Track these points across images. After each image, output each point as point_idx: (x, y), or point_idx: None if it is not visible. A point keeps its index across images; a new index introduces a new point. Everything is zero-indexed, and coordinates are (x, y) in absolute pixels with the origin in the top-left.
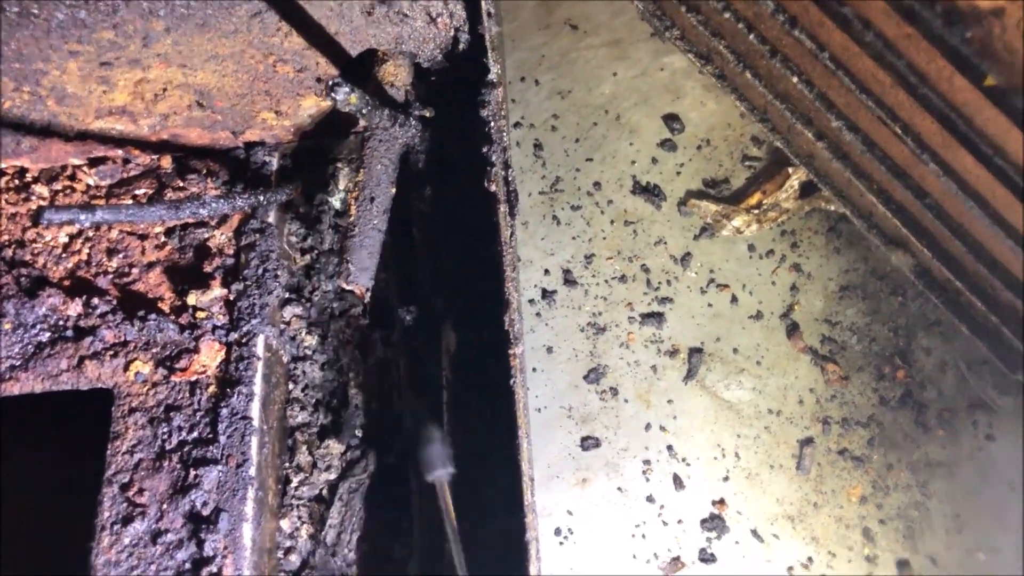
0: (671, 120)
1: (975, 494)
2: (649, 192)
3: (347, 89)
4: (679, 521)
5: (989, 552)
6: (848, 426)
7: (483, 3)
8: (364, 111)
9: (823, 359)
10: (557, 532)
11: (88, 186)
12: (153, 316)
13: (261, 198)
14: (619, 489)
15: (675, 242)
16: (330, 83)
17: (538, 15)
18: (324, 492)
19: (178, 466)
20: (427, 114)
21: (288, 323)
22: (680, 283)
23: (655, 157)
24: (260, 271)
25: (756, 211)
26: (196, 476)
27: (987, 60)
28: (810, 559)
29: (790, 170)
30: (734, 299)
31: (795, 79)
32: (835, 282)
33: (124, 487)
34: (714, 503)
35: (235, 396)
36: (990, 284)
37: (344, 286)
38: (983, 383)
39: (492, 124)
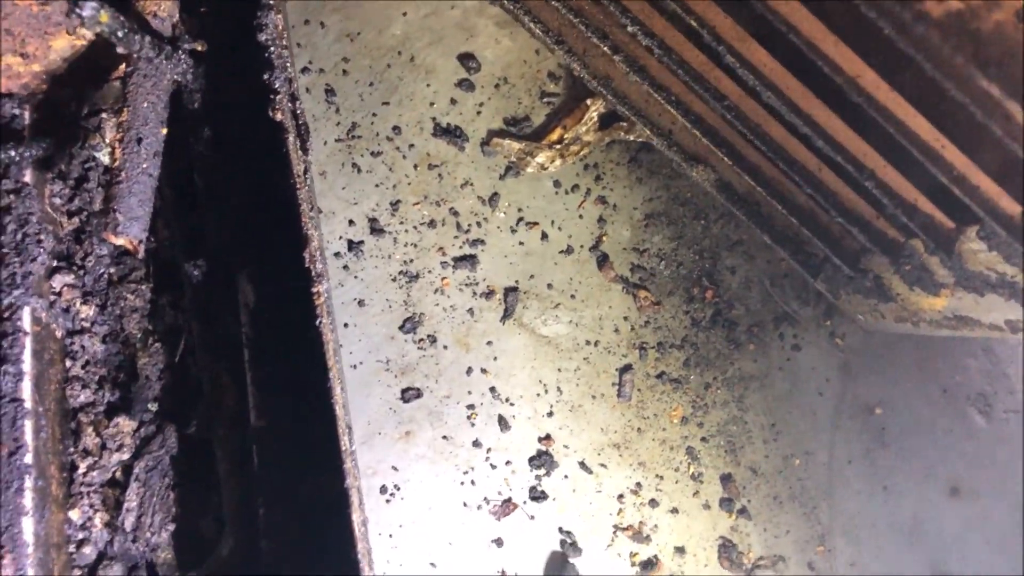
0: (467, 59)
1: (787, 402)
2: (451, 134)
3: (96, 4)
4: (507, 463)
5: (803, 456)
6: (664, 350)
7: None
8: (120, 34)
9: (634, 287)
10: (383, 490)
11: None
12: None
13: (13, 153)
14: (444, 438)
15: (481, 183)
16: None
17: None
18: (118, 474)
19: None
20: (199, 48)
21: (59, 294)
22: (490, 224)
23: (454, 98)
24: (19, 236)
25: (558, 146)
26: None
27: None
28: (639, 484)
29: (588, 102)
30: (544, 235)
31: None
32: (640, 211)
33: None
34: (540, 440)
35: (0, 377)
36: (788, 188)
37: (112, 239)
38: (786, 296)
39: (272, 49)
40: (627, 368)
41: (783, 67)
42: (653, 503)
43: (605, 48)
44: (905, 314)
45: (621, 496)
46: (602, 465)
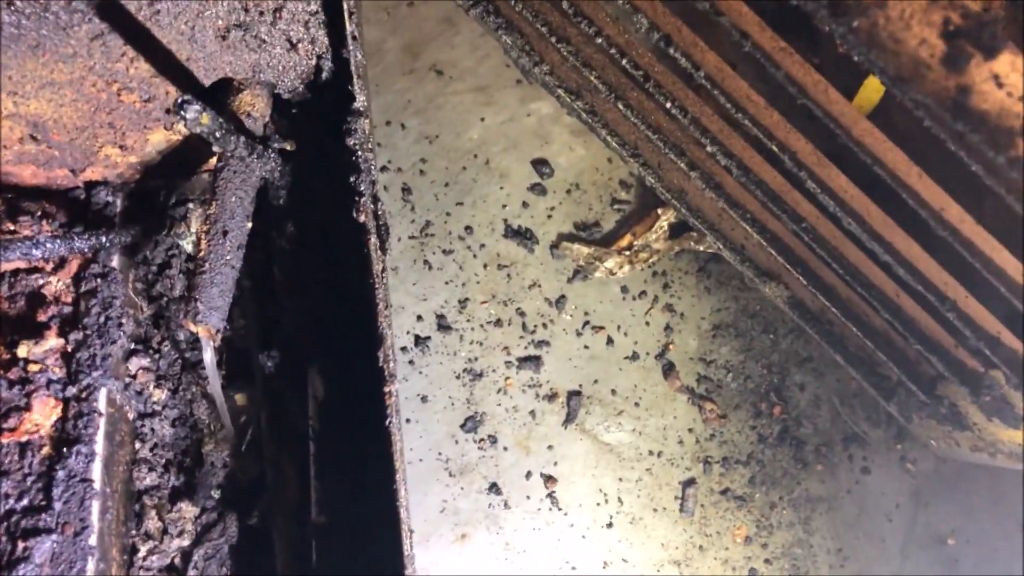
0: (540, 165)
1: (855, 527)
2: (521, 236)
3: (198, 107)
4: (564, 573)
5: None
6: (729, 465)
7: (348, 26)
8: (217, 134)
9: (700, 398)
10: None
11: None
12: None
13: (103, 239)
14: (501, 543)
15: (549, 285)
16: (179, 100)
17: (403, 60)
18: (177, 560)
19: (3, 538)
20: (288, 147)
21: (134, 376)
22: (556, 326)
23: (526, 201)
24: (102, 319)
25: (627, 253)
26: (25, 549)
27: (874, 50)
28: None
29: (659, 212)
30: (610, 341)
31: (668, 105)
32: (708, 321)
33: None
34: (599, 552)
35: (73, 456)
36: (863, 310)
37: (191, 327)
38: (855, 416)
39: (359, 153)
40: (691, 482)
41: (865, 195)
42: None
43: (682, 164)
44: (982, 444)
45: None
46: None
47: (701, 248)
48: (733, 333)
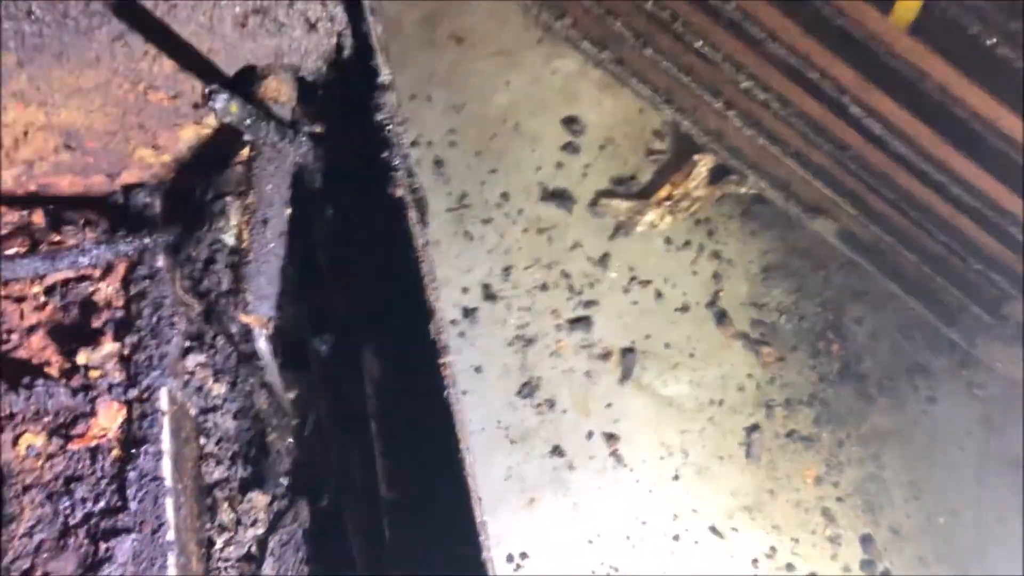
0: (571, 123)
1: (927, 458)
2: (558, 197)
3: (226, 96)
4: (633, 528)
5: (949, 515)
6: (792, 407)
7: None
8: (247, 122)
9: (756, 343)
10: (510, 559)
11: None
12: (40, 382)
13: (146, 241)
14: (568, 504)
15: (592, 244)
16: (208, 90)
17: (422, 32)
18: (253, 549)
19: (85, 542)
20: (318, 129)
21: (192, 373)
22: (602, 284)
23: (560, 161)
24: (154, 320)
25: (668, 203)
26: (107, 549)
27: None
28: (773, 548)
29: (697, 158)
30: (659, 294)
31: (699, 44)
32: (756, 264)
33: (25, 574)
34: (668, 504)
35: (142, 456)
36: (918, 236)
37: (243, 318)
38: (917, 346)
39: (390, 128)
40: (754, 428)
41: (911, 115)
42: (790, 567)
43: (718, 104)
44: None
45: (755, 560)
46: (733, 529)
47: (743, 191)
48: (783, 274)
